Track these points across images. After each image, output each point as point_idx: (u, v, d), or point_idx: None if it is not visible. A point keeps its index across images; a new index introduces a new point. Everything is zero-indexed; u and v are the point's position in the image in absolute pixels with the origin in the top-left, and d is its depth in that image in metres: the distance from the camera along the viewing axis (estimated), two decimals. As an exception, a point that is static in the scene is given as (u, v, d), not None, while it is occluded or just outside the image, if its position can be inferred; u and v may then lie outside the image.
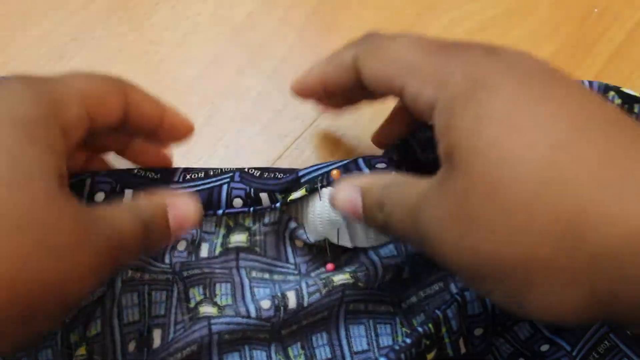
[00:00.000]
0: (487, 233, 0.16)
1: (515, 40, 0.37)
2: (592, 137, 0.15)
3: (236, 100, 0.34)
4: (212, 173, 0.25)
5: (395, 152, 0.26)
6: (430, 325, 0.23)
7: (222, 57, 0.35)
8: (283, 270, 0.27)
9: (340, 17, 0.37)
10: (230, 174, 0.25)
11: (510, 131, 0.16)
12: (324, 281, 0.25)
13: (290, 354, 0.26)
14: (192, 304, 0.25)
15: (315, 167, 0.25)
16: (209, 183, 0.25)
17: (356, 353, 0.26)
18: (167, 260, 0.25)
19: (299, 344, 0.26)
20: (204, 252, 0.26)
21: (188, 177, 0.25)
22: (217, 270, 0.26)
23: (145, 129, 0.24)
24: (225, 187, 0.25)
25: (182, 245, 0.25)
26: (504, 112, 0.16)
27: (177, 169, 0.25)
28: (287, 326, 0.26)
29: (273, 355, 0.25)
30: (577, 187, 0.15)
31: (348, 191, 0.23)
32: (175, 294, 0.25)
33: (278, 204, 0.25)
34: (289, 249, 0.27)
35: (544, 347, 0.25)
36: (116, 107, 0.22)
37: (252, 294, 0.26)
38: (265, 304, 0.25)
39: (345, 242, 0.25)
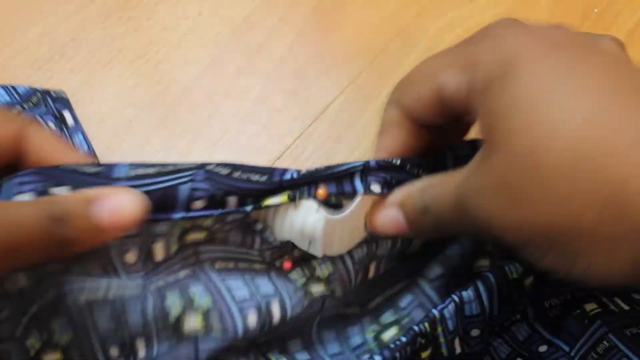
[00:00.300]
0: (533, 205, 0.17)
1: (515, 41, 0.37)
2: (627, 105, 0.16)
3: (236, 100, 0.34)
4: (167, 170, 0.21)
5: (417, 165, 0.24)
6: (426, 324, 0.23)
7: (221, 57, 0.35)
8: (247, 257, 0.25)
9: (339, 18, 0.37)
10: (192, 172, 0.21)
11: (544, 108, 0.16)
12: (303, 291, 0.25)
13: (272, 358, 0.26)
14: (171, 320, 0.23)
15: (300, 173, 0.23)
16: (162, 182, 0.21)
17: (333, 355, 0.26)
18: (122, 277, 0.22)
19: (276, 351, 0.26)
20: (159, 254, 0.22)
21: (134, 173, 0.21)
22: (181, 274, 0.24)
23: None
24: (183, 187, 0.21)
25: (132, 258, 0.22)
26: (536, 89, 0.17)
27: (122, 163, 0.21)
28: (262, 334, 0.26)
29: None
30: (616, 156, 0.15)
31: (386, 212, 0.22)
32: (150, 307, 0.23)
33: (248, 208, 0.22)
34: (256, 239, 0.24)
35: (542, 348, 0.25)
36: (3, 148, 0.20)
37: (229, 290, 0.24)
38: (252, 320, 0.24)
39: (316, 252, 0.24)
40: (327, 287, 0.25)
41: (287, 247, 0.25)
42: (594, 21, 0.38)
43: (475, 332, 0.24)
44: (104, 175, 0.20)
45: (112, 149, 0.32)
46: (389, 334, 0.27)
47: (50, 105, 0.31)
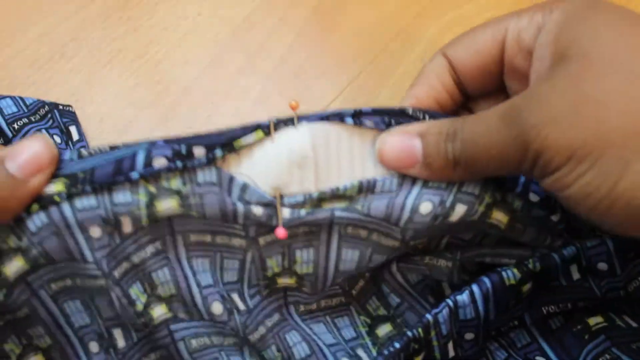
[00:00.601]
0: (601, 107, 0.17)
1: (515, 41, 0.37)
2: None
3: (236, 100, 0.34)
4: (120, 146, 0.20)
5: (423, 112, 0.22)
6: (419, 330, 0.22)
7: (221, 58, 0.35)
8: (228, 230, 0.23)
9: (339, 18, 0.37)
10: (150, 142, 0.20)
11: (624, 39, 0.18)
12: (266, 282, 0.25)
13: (266, 356, 0.25)
14: (139, 307, 0.23)
15: (279, 118, 0.21)
16: (115, 154, 0.20)
17: (330, 345, 0.26)
18: (89, 258, 0.21)
19: (273, 347, 0.25)
20: (127, 227, 0.21)
21: (85, 153, 0.20)
22: (148, 251, 0.22)
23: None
24: (141, 152, 0.20)
25: (95, 232, 0.21)
26: (616, 26, 0.19)
27: (64, 151, 0.20)
28: (253, 330, 0.25)
29: (247, 358, 0.25)
30: None
31: (401, 138, 0.21)
32: (116, 299, 0.22)
33: (218, 152, 0.20)
34: (239, 208, 0.22)
35: (540, 359, 0.25)
36: None
37: (194, 273, 0.23)
38: (217, 308, 0.24)
39: (309, 184, 0.22)
40: (294, 281, 0.25)
41: (273, 218, 0.22)
42: None
43: (469, 336, 0.24)
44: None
45: (112, 149, 0.32)
46: (383, 330, 0.27)
47: (57, 119, 0.31)
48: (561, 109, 0.18)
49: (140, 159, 0.20)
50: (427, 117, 0.22)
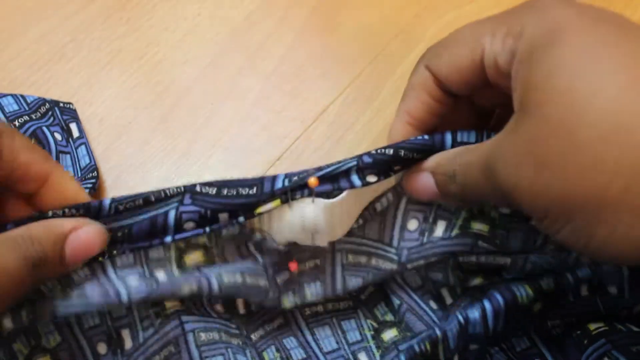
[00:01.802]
0: (559, 172, 0.17)
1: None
2: None
3: (235, 100, 0.34)
4: (152, 199, 0.21)
5: (414, 150, 0.23)
6: (427, 344, 0.23)
7: (221, 58, 0.35)
8: (251, 271, 0.24)
9: (339, 18, 0.37)
10: (178, 197, 0.21)
11: (583, 77, 0.17)
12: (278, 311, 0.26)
13: (266, 357, 0.26)
14: (151, 303, 0.24)
15: (291, 179, 0.23)
16: (149, 212, 0.21)
17: (327, 353, 0.26)
18: (124, 299, 0.22)
19: (273, 347, 0.26)
20: (161, 277, 0.23)
21: (121, 207, 0.21)
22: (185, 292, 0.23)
23: (21, 186, 0.21)
24: (172, 212, 0.21)
25: (133, 280, 0.22)
26: (576, 60, 0.17)
27: (102, 201, 0.21)
28: (253, 330, 0.26)
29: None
30: None
31: (420, 177, 0.23)
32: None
33: (241, 219, 0.22)
34: (254, 251, 0.24)
35: None
36: None
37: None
38: (219, 307, 0.25)
39: (321, 241, 0.24)
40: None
41: (290, 254, 0.25)
42: None
43: (474, 346, 0.24)
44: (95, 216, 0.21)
45: (111, 149, 0.32)
46: (388, 335, 0.27)
47: (58, 116, 0.31)
48: (525, 173, 0.18)
49: (172, 220, 0.22)
50: (417, 156, 0.23)
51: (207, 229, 0.22)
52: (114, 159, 0.32)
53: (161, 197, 0.21)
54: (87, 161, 0.30)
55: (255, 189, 0.22)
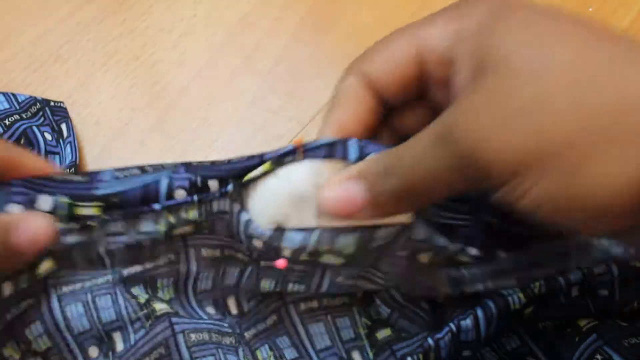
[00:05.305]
0: (534, 118, 0.16)
1: (510, 39, 0.37)
2: (606, 44, 0.17)
3: (231, 101, 0.34)
4: (149, 169, 0.22)
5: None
6: (420, 356, 0.23)
7: (217, 59, 0.35)
8: (233, 245, 0.24)
9: (334, 18, 0.37)
10: (173, 167, 0.22)
11: (546, 32, 0.18)
12: (259, 296, 0.25)
13: (259, 356, 0.26)
14: (141, 300, 0.24)
15: (287, 149, 0.22)
16: (144, 178, 0.22)
17: (320, 350, 0.26)
18: (107, 263, 0.23)
19: (267, 346, 0.26)
20: (146, 242, 0.23)
21: (120, 176, 0.22)
22: (162, 261, 0.24)
23: None
24: (165, 180, 0.22)
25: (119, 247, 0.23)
26: (536, 18, 0.18)
27: (105, 170, 0.22)
28: (246, 329, 0.26)
29: (242, 359, 0.25)
30: (618, 73, 0.16)
31: (338, 183, 0.20)
32: (119, 296, 0.24)
33: (229, 187, 0.22)
34: (243, 240, 0.23)
35: None
36: None
37: (195, 282, 0.25)
38: (210, 310, 0.25)
39: (311, 214, 0.22)
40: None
41: (273, 252, 0.23)
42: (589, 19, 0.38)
43: (466, 353, 0.24)
44: (91, 180, 0.21)
45: (107, 151, 0.32)
46: (382, 334, 0.27)
47: (49, 116, 0.31)
48: (492, 124, 0.17)
49: (164, 187, 0.22)
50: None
51: (196, 197, 0.22)
52: (111, 161, 0.32)
53: (157, 168, 0.22)
54: (71, 158, 0.30)
55: (247, 160, 0.22)
